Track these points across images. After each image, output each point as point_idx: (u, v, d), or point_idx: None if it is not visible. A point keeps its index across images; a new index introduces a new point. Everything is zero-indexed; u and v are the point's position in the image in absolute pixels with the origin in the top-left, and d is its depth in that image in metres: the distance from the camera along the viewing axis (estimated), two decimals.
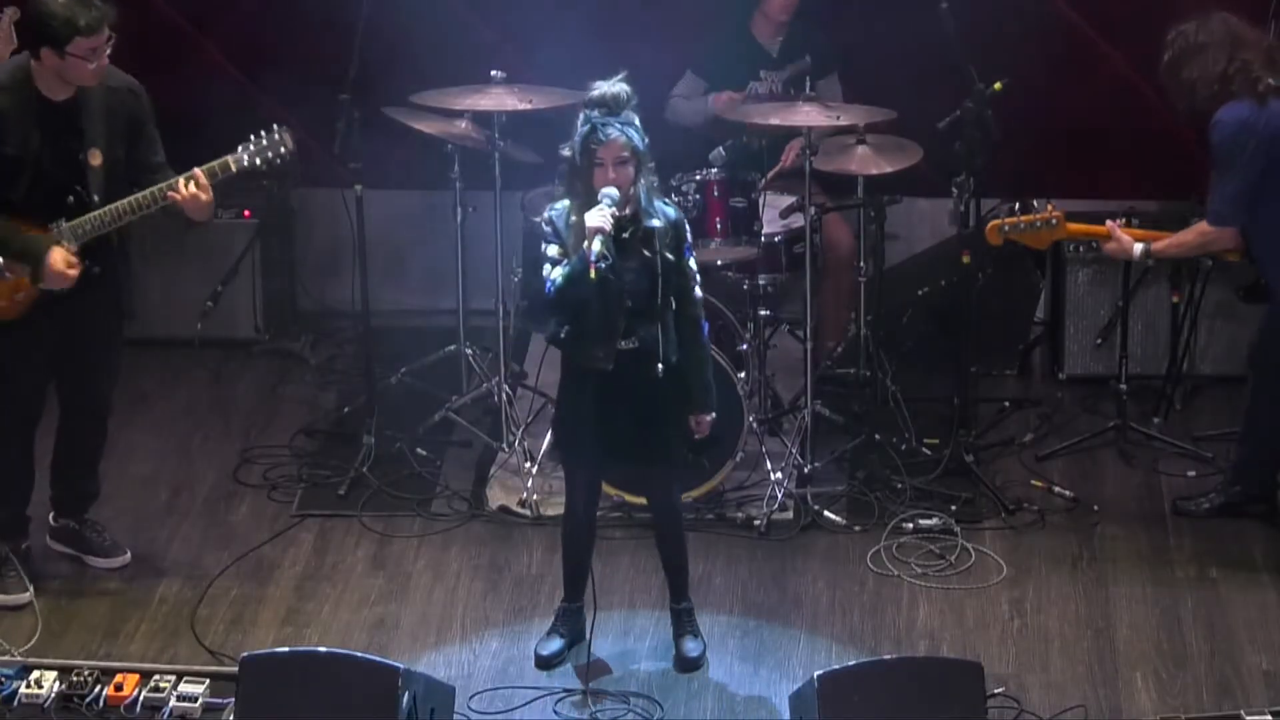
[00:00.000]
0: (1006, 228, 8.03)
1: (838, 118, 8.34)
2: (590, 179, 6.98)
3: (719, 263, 8.54)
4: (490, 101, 8.45)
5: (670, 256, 7.05)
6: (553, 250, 7.02)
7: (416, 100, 8.55)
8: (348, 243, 8.72)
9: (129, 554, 7.99)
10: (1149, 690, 7.25)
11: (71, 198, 7.38)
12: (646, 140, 7.02)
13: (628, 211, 7.02)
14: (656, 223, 7.04)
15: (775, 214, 8.60)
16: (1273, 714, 6.73)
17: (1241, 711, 6.79)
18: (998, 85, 8.22)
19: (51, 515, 8.01)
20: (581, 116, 7.01)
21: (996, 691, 7.04)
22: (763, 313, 8.62)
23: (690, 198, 8.42)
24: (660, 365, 7.06)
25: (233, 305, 9.59)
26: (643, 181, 7.02)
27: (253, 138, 7.48)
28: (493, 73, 8.54)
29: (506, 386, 8.64)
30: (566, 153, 7.08)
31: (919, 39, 8.84)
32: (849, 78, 9.13)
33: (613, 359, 7.04)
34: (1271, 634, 7.53)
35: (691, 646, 7.42)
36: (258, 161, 7.47)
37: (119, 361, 7.84)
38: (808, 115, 8.31)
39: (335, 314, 9.80)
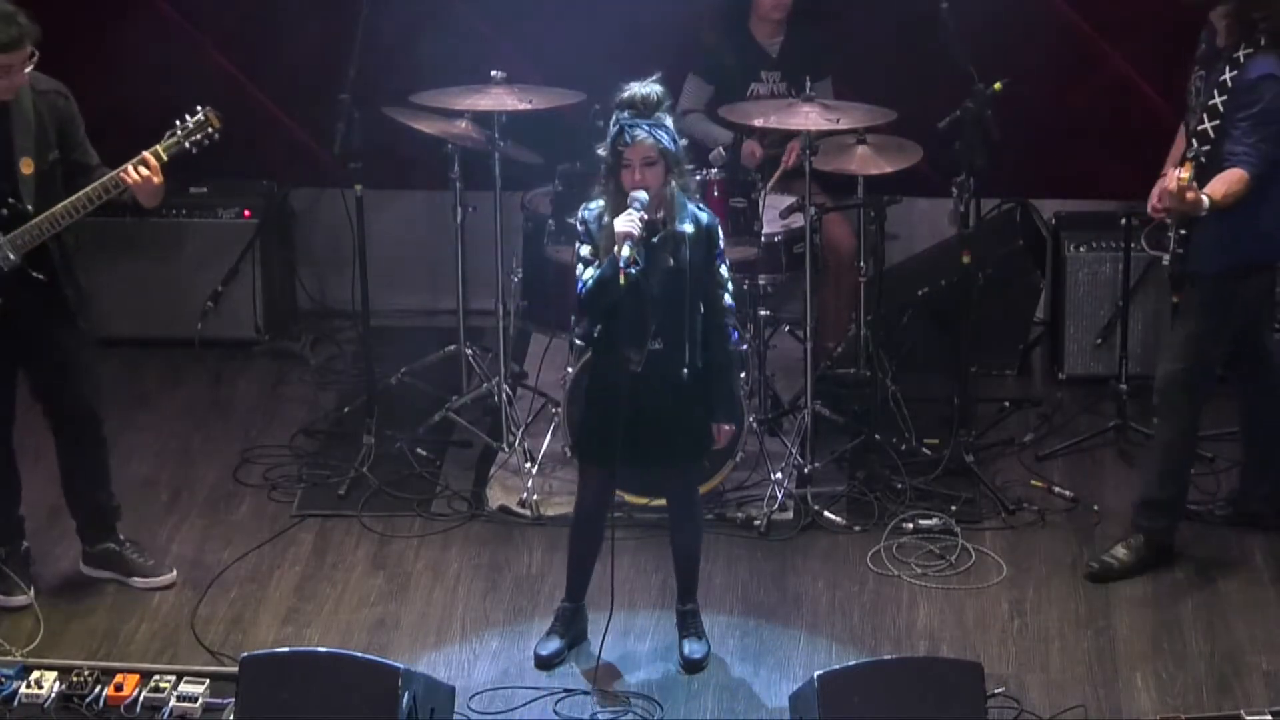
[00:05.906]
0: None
1: (837, 120, 8.33)
2: (619, 180, 6.98)
3: None
4: (490, 101, 8.45)
5: (700, 261, 7.05)
6: (585, 250, 7.01)
7: (416, 100, 8.54)
8: (348, 243, 8.71)
9: (174, 572, 7.89)
10: (1149, 690, 7.25)
11: (5, 210, 7.29)
12: (680, 142, 7.00)
13: (660, 214, 7.02)
14: (688, 227, 7.02)
15: (775, 214, 8.60)
16: (1273, 714, 6.72)
17: (1241, 711, 6.78)
18: (998, 85, 8.21)
19: (84, 544, 7.88)
20: (613, 118, 7.01)
21: (996, 691, 7.04)
22: (763, 313, 8.61)
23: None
24: (685, 370, 7.06)
25: (233, 305, 9.59)
26: (675, 184, 7.00)
27: (178, 123, 7.42)
28: (493, 73, 8.54)
29: (506, 386, 8.63)
30: (601, 152, 7.07)
31: (919, 39, 8.84)
32: (850, 78, 9.12)
33: (643, 362, 7.04)
34: (1271, 634, 7.52)
35: (695, 648, 7.41)
36: (187, 145, 7.42)
37: (91, 365, 7.66)
38: (808, 117, 8.31)
39: (335, 314, 9.81)
